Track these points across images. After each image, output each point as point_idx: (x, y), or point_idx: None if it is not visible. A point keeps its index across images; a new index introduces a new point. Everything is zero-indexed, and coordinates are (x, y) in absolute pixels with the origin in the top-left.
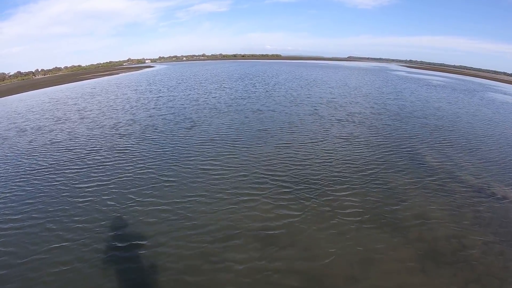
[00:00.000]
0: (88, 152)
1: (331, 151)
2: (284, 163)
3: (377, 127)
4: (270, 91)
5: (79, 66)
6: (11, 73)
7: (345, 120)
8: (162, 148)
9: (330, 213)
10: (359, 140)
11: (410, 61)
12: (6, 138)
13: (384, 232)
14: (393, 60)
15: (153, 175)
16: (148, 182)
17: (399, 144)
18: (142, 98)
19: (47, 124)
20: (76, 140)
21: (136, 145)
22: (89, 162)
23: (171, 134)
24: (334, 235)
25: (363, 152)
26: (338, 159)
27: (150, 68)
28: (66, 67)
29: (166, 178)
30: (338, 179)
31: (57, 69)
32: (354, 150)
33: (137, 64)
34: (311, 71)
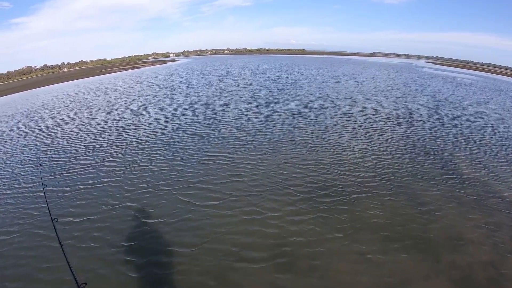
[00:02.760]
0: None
1: (358, 157)
2: (304, 169)
3: (408, 130)
4: (294, 89)
5: (104, 59)
6: (37, 66)
7: (374, 122)
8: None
9: (353, 230)
10: (388, 145)
11: (437, 58)
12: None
13: (414, 256)
14: (419, 57)
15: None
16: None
17: (431, 150)
18: (153, 97)
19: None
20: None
21: (130, 152)
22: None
23: (175, 138)
24: (357, 258)
25: (392, 158)
26: (364, 166)
27: (174, 62)
28: (91, 61)
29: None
30: (364, 189)
31: (83, 63)
32: (382, 155)
33: (161, 58)
34: (337, 68)
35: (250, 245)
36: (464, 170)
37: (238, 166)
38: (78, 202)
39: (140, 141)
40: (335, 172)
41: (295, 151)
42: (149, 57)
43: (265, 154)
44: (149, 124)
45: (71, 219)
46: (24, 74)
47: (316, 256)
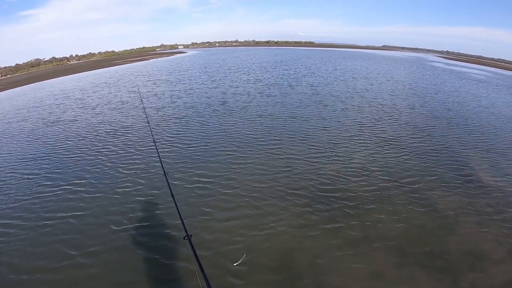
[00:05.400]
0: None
1: (369, 161)
2: (311, 173)
3: (425, 132)
4: (303, 85)
5: (112, 51)
6: (46, 59)
7: (389, 123)
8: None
9: (365, 244)
10: (403, 148)
11: (447, 52)
12: None
13: (431, 275)
14: (429, 51)
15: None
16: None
17: (449, 155)
18: (152, 94)
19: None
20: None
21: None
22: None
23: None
24: (370, 276)
25: (407, 163)
26: (376, 171)
27: (181, 54)
28: (100, 53)
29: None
30: (376, 197)
31: (91, 55)
32: (396, 160)
33: (169, 50)
34: (347, 61)
35: (253, 258)
36: (483, 176)
37: (240, 169)
38: None
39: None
40: (346, 179)
41: (303, 154)
42: (157, 49)
43: (270, 155)
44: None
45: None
46: (32, 67)
47: (325, 273)
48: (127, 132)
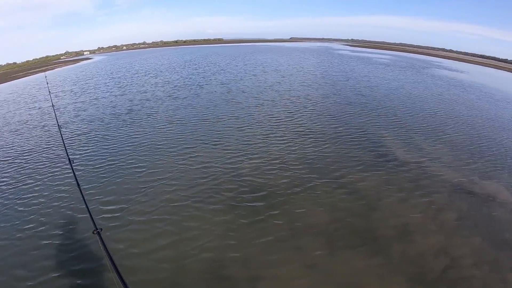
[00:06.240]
0: None
1: (289, 155)
2: (230, 179)
3: (341, 120)
4: (214, 83)
5: (14, 63)
6: None
7: (304, 114)
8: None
9: (295, 238)
10: (320, 137)
11: (352, 40)
12: None
13: (363, 256)
14: (335, 40)
15: None
16: None
17: (366, 139)
18: (56, 109)
19: None
20: None
21: None
22: None
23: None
24: (305, 269)
25: (326, 151)
26: (297, 164)
27: (87, 61)
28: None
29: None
30: (299, 190)
31: None
32: (315, 150)
33: (75, 57)
34: (257, 55)
35: (183, 267)
36: (399, 152)
37: (152, 188)
38: None
39: None
40: (265, 173)
41: (219, 159)
42: (62, 57)
43: (183, 167)
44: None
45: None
46: None
47: (259, 279)
48: (24, 154)
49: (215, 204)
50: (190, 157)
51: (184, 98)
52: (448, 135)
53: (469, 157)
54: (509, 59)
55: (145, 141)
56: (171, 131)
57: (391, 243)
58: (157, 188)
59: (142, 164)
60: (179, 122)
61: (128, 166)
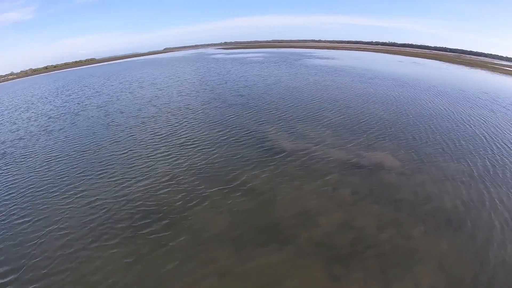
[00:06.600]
0: None
1: (176, 168)
2: (121, 208)
3: (223, 124)
4: (90, 108)
5: None
6: None
7: (186, 125)
8: None
9: (201, 252)
10: (205, 145)
11: (225, 43)
12: None
13: (274, 251)
14: (208, 45)
15: None
16: None
17: (251, 137)
18: None
19: None
20: None
21: None
22: None
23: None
24: (219, 279)
25: (213, 157)
26: (185, 175)
27: None
28: None
29: None
30: (193, 200)
31: None
32: (202, 158)
33: None
34: (132, 72)
35: None
36: (285, 144)
37: (41, 221)
38: None
39: None
40: (157, 194)
41: (106, 190)
42: None
43: (73, 198)
44: None
45: None
46: None
47: None
48: None
49: (111, 240)
50: (75, 196)
51: (60, 129)
52: (328, 118)
53: (352, 134)
54: (373, 41)
55: (23, 189)
56: (50, 171)
57: (297, 232)
58: (48, 239)
59: (25, 215)
60: (58, 159)
61: (10, 220)
